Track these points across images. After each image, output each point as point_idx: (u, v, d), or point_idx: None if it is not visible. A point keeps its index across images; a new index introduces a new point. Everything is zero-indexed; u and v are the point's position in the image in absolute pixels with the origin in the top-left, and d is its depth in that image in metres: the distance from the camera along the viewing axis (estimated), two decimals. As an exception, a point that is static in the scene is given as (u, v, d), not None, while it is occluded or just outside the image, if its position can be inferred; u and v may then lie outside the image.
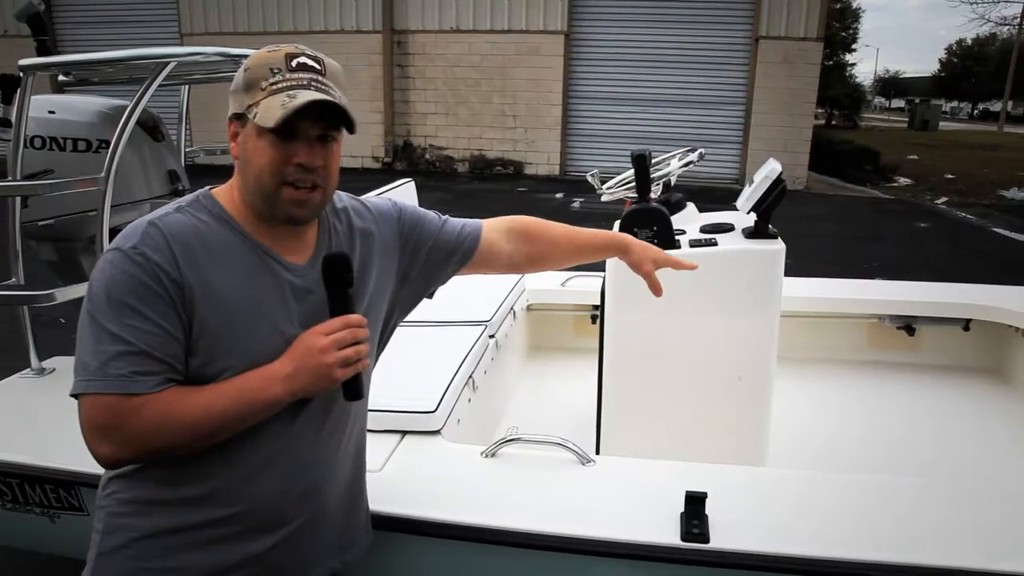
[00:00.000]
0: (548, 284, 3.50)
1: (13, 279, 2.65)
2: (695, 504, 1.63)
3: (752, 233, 2.28)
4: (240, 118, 1.19)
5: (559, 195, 12.09)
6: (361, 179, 12.25)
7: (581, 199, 11.43)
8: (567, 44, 13.70)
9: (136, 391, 1.10)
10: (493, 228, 1.60)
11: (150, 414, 1.11)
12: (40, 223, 2.89)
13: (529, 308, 3.49)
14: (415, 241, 1.49)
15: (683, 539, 1.58)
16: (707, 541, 1.57)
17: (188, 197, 1.25)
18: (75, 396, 1.12)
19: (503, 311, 2.92)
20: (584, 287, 3.42)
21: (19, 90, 2.59)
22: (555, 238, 1.68)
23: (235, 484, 1.24)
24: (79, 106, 2.79)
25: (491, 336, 2.72)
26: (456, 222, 1.57)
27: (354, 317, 1.23)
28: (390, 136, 14.64)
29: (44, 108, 2.94)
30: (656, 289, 1.72)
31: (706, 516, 1.62)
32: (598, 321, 3.41)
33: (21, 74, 2.54)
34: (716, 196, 9.73)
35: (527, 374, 3.36)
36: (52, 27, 15.20)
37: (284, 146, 1.16)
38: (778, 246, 2.23)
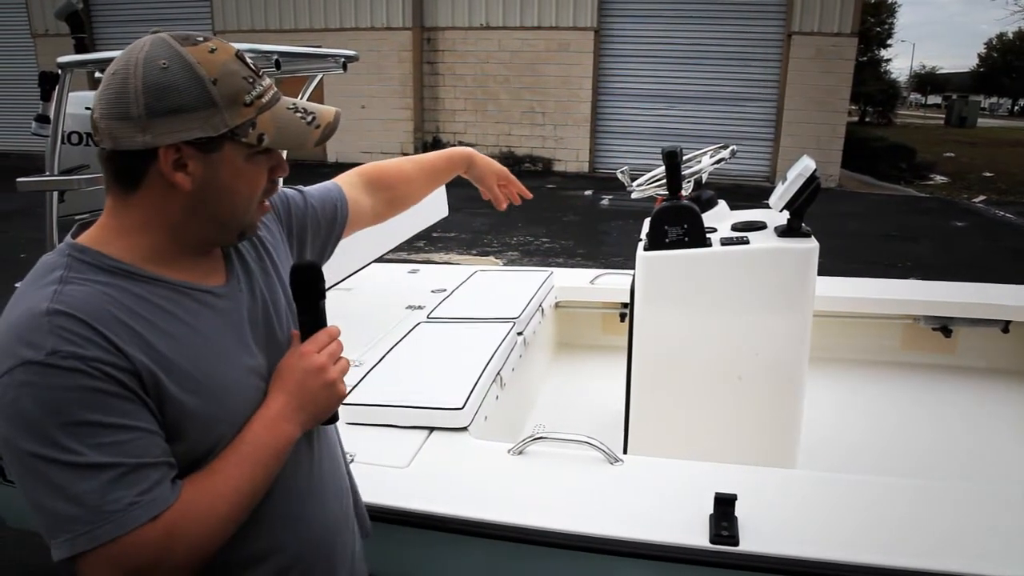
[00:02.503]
0: (577, 282, 3.49)
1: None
2: (724, 506, 1.60)
3: (785, 231, 2.25)
4: (209, 143, 0.95)
5: (588, 192, 12.05)
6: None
7: (610, 196, 11.38)
8: (597, 40, 13.63)
9: (157, 512, 0.90)
10: (349, 185, 1.47)
11: (184, 527, 0.92)
12: (76, 217, 2.93)
13: (557, 305, 3.47)
14: (298, 224, 1.33)
15: (712, 541, 1.56)
16: (736, 544, 1.55)
17: (53, 260, 0.96)
18: (73, 557, 0.87)
19: (531, 308, 2.92)
20: (613, 284, 3.40)
21: (58, 87, 2.65)
22: (406, 174, 1.59)
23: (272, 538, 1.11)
24: (115, 102, 2.84)
25: (519, 333, 2.71)
26: (316, 190, 1.41)
27: (334, 328, 1.12)
28: (419, 132, 14.69)
29: (81, 105, 3.00)
30: (499, 202, 1.78)
31: (735, 518, 1.60)
32: (627, 319, 3.40)
33: (60, 71, 2.58)
34: (746, 193, 9.65)
35: (555, 372, 3.35)
36: (90, 25, 15.51)
37: (267, 163, 1.04)
38: (811, 244, 2.19)
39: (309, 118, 1.05)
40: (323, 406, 1.09)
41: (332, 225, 1.40)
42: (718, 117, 13.44)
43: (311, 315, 1.11)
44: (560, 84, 13.84)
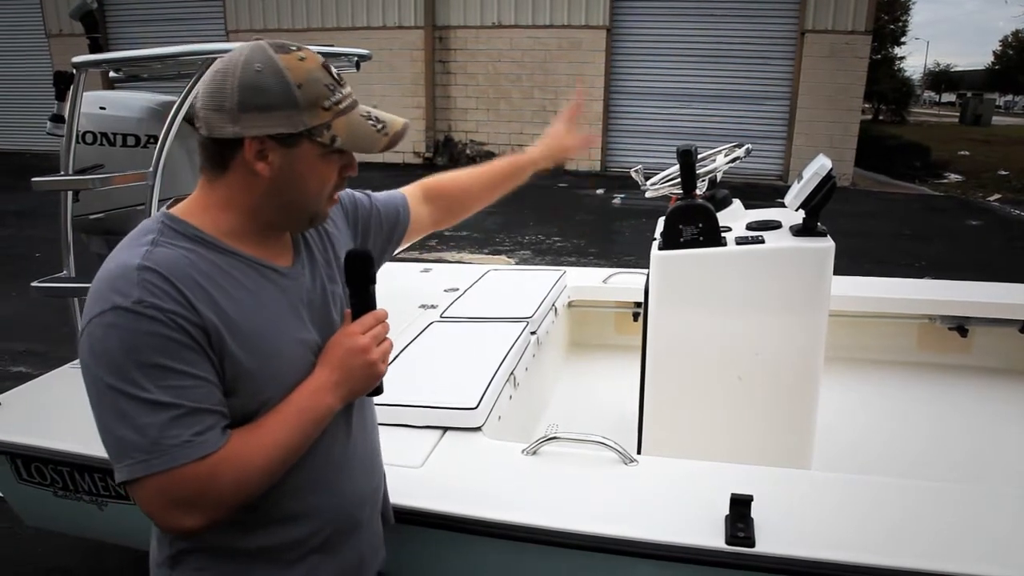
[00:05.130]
0: (590, 281, 3.47)
1: (64, 271, 2.72)
2: (740, 507, 1.59)
3: (800, 230, 2.23)
4: (289, 139, 1.08)
5: (600, 191, 12.02)
6: (403, 174, 12.28)
7: (622, 195, 11.34)
8: (609, 39, 13.60)
9: (205, 453, 1.02)
10: (412, 195, 1.62)
11: (227, 470, 1.04)
12: (91, 217, 2.96)
13: (570, 305, 3.46)
14: (363, 222, 1.48)
15: (728, 542, 1.55)
16: (752, 545, 1.54)
17: (150, 225, 1.12)
18: (129, 481, 1.01)
19: (544, 307, 2.91)
20: (626, 284, 3.38)
21: (72, 86, 2.66)
22: (462, 182, 1.73)
23: (309, 499, 1.23)
24: (129, 102, 2.85)
25: (532, 333, 2.70)
26: (382, 195, 1.57)
27: (382, 312, 1.23)
28: (431, 131, 14.70)
29: (96, 104, 3.01)
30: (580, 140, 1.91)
31: (751, 519, 1.59)
32: (640, 318, 3.38)
33: (75, 71, 2.60)
34: (759, 193, 9.59)
35: (568, 371, 3.34)
36: (104, 25, 15.60)
37: (339, 162, 1.16)
38: (827, 244, 2.17)
39: (380, 126, 1.16)
40: (362, 383, 1.20)
41: (394, 227, 1.55)
42: (730, 116, 13.38)
43: (361, 298, 1.22)
44: (572, 82, 13.79)
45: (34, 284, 2.66)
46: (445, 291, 3.17)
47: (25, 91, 16.86)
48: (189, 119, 2.77)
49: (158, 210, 2.39)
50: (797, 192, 2.15)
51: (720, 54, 13.31)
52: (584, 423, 2.38)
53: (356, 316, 1.21)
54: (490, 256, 7.91)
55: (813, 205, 2.15)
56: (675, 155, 2.29)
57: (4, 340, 5.45)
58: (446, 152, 14.74)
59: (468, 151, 14.68)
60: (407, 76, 14.35)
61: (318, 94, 1.09)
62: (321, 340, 1.20)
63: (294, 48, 1.10)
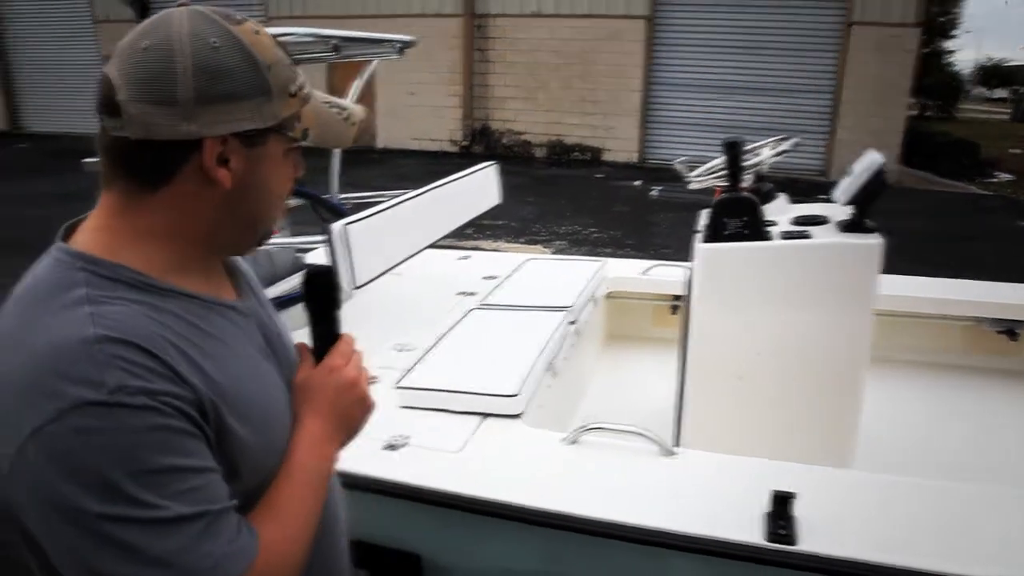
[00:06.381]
0: (629, 272, 3.46)
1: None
2: (782, 504, 1.58)
3: (848, 226, 2.20)
4: (257, 136, 0.85)
5: (637, 183, 11.93)
6: (439, 163, 12.32)
7: (660, 187, 11.25)
8: (649, 29, 13.45)
9: (249, 561, 0.80)
10: None
11: (271, 573, 0.84)
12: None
13: (609, 296, 3.45)
14: None
15: (768, 539, 1.54)
16: (794, 543, 1.53)
17: (63, 276, 0.80)
18: None
19: (584, 298, 2.90)
20: (666, 276, 3.36)
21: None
22: None
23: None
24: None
25: (572, 323, 2.70)
26: None
27: (351, 336, 1.03)
28: (468, 120, 14.71)
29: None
30: None
31: (793, 517, 1.57)
32: (679, 312, 3.36)
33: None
34: (799, 188, 9.39)
35: (604, 362, 3.33)
36: (151, 12, 15.84)
37: (294, 160, 0.94)
38: (875, 240, 2.14)
39: (344, 114, 1.00)
40: (358, 421, 1.02)
41: None
42: (772, 109, 13.15)
43: (326, 325, 1.01)
44: (611, 73, 13.70)
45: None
46: (483, 279, 3.18)
47: (71, 76, 17.23)
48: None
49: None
50: (846, 186, 2.12)
51: (763, 45, 13.09)
52: (620, 414, 2.37)
53: (321, 347, 1.01)
54: (526, 245, 7.91)
55: (863, 200, 2.11)
56: (718, 147, 2.27)
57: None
58: (482, 141, 14.74)
59: (505, 140, 14.67)
60: (445, 64, 14.36)
61: (286, 77, 0.87)
62: (285, 382, 0.98)
63: (240, 18, 0.85)
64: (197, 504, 0.76)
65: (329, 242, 2.18)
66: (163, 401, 0.75)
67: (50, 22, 17.46)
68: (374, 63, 3.20)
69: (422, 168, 11.32)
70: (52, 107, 17.77)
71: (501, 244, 7.89)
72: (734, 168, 2.23)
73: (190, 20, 0.81)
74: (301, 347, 1.02)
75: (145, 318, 0.79)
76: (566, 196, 9.93)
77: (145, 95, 0.79)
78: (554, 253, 7.47)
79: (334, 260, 2.18)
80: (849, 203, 2.14)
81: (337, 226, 2.21)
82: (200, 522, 0.76)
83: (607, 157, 14.02)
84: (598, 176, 12.38)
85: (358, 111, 1.04)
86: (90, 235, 0.85)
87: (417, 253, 2.69)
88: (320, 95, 0.97)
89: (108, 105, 0.80)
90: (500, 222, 8.57)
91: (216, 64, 0.80)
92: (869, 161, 2.09)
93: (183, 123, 0.79)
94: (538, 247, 7.86)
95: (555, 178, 12.27)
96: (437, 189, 2.89)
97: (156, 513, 0.73)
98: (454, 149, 14.56)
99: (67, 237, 0.86)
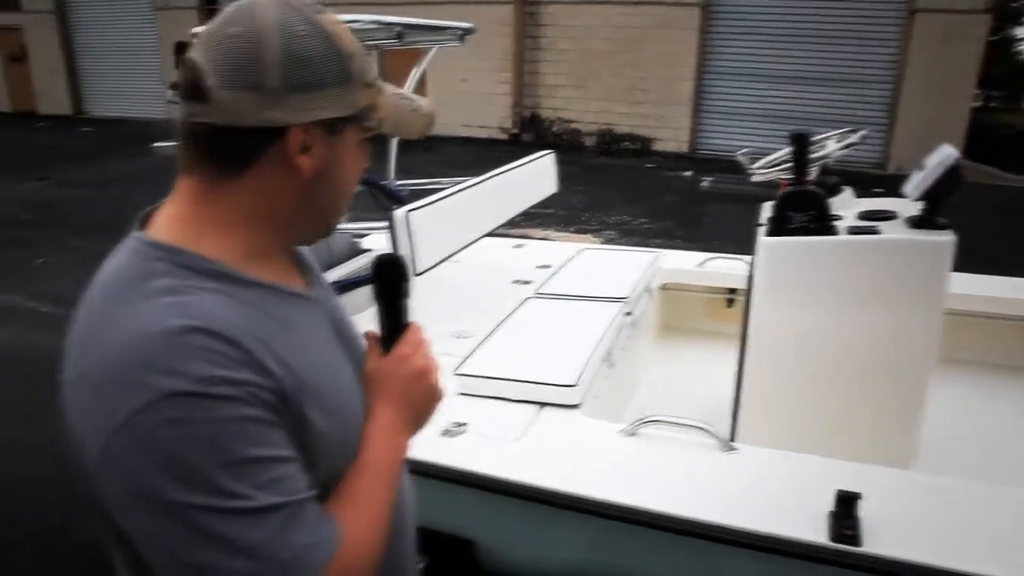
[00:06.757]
0: (684, 264, 3.42)
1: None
2: (847, 504, 1.55)
3: (919, 222, 2.14)
4: (337, 124, 0.85)
5: (687, 173, 11.77)
6: (488, 150, 12.30)
7: (711, 178, 11.08)
8: (703, 17, 13.21)
9: (333, 550, 0.80)
10: None
11: (353, 563, 0.83)
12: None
13: (663, 287, 3.42)
14: None
15: (833, 539, 1.52)
16: (859, 544, 1.50)
17: (142, 265, 0.81)
18: None
19: (640, 289, 2.88)
20: (722, 269, 3.32)
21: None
22: None
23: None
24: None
25: (627, 314, 2.69)
26: None
27: (418, 324, 1.03)
28: (518, 108, 14.66)
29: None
30: None
31: (858, 518, 1.55)
32: (733, 305, 3.32)
33: (195, 41, 2.70)
34: (856, 181, 9.16)
35: (657, 354, 3.31)
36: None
37: (365, 151, 0.94)
38: (948, 237, 2.08)
39: (414, 105, 1.00)
40: (428, 410, 1.01)
41: None
42: (828, 99, 12.82)
43: (395, 314, 1.00)
44: (663, 61, 13.50)
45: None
46: (537, 267, 3.19)
47: (131, 61, 17.68)
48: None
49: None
50: (919, 181, 2.06)
51: (820, 34, 12.74)
52: (673, 407, 2.35)
53: (389, 336, 1.00)
54: (575, 235, 7.87)
55: (936, 196, 2.05)
56: (772, 138, 2.23)
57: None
58: (532, 129, 14.70)
59: (555, 128, 14.60)
60: (496, 51, 14.32)
61: (365, 67, 0.87)
62: (355, 372, 0.97)
63: (320, 7, 0.85)
64: (282, 494, 0.76)
65: (391, 228, 2.21)
66: (248, 391, 0.75)
67: (112, 9, 17.91)
68: (433, 50, 3.21)
69: (472, 155, 11.36)
70: (113, 92, 18.25)
71: (550, 233, 7.87)
72: (801, 161, 2.18)
73: (276, 8, 0.81)
74: (370, 336, 1.02)
75: (226, 307, 0.79)
76: (615, 185, 9.83)
77: (233, 81, 0.79)
78: (603, 243, 7.43)
79: (395, 246, 2.20)
80: (921, 199, 2.08)
81: (399, 213, 2.23)
82: (284, 512, 0.76)
83: (657, 147, 13.84)
84: (648, 166, 12.24)
85: (426, 103, 1.04)
86: (168, 224, 0.85)
87: (476, 240, 2.71)
88: (390, 87, 0.97)
89: (194, 90, 0.80)
90: (549, 210, 8.54)
91: (302, 52, 0.81)
92: (943, 156, 2.02)
93: (269, 109, 0.80)
94: (587, 236, 7.82)
95: (604, 167, 12.18)
96: (496, 177, 2.90)
97: (244, 503, 0.73)
98: (503, 137, 14.54)
99: (143, 225, 0.86)
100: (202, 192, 0.84)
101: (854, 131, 2.42)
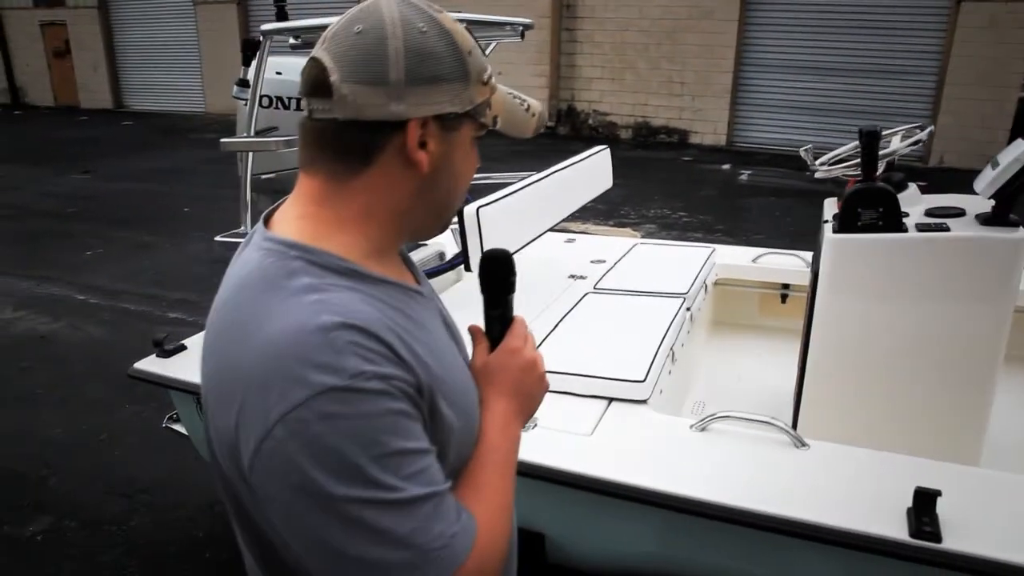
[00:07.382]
0: (738, 259, 3.42)
1: (242, 227, 2.92)
2: (926, 501, 1.56)
3: (989, 219, 2.12)
4: (453, 120, 0.87)
5: (725, 166, 11.67)
6: (524, 143, 12.29)
7: (749, 171, 10.98)
8: (742, 8, 13.05)
9: (472, 540, 0.82)
10: None
11: (490, 552, 0.85)
12: (263, 176, 3.16)
13: (716, 283, 3.42)
14: None
15: (913, 536, 1.52)
16: (940, 541, 1.51)
17: (280, 264, 0.83)
18: None
19: (698, 284, 2.89)
20: (776, 264, 3.31)
21: (258, 53, 2.82)
22: None
23: None
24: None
25: (687, 309, 2.70)
26: None
27: (523, 318, 1.05)
28: (554, 100, 14.64)
29: (273, 70, 3.18)
30: None
31: (937, 515, 1.55)
32: (787, 301, 3.31)
33: (261, 38, 2.76)
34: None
35: (712, 349, 3.31)
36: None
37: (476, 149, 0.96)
38: (1020, 235, 2.06)
39: (525, 105, 1.01)
40: (538, 400, 1.03)
41: None
42: (870, 91, 12.60)
43: (502, 308, 1.02)
44: (701, 53, 13.38)
45: (217, 238, 2.88)
46: (591, 262, 3.20)
47: (170, 56, 17.95)
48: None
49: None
50: (992, 179, 2.04)
51: (862, 24, 12.51)
52: (731, 403, 2.37)
53: (495, 330, 1.02)
54: (615, 228, 7.87)
55: (1010, 194, 2.03)
56: (812, 131, 2.23)
57: (161, 288, 5.90)
58: (568, 122, 14.67)
59: (591, 121, 14.56)
60: (532, 44, 14.30)
61: (481, 64, 0.88)
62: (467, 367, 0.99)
63: (438, 7, 0.88)
64: (428, 485, 0.78)
65: (460, 222, 2.24)
66: (394, 385, 0.77)
67: (153, 3, 18.20)
68: (493, 45, 3.24)
69: (507, 148, 11.37)
70: (153, 86, 18.56)
71: (589, 226, 7.88)
72: (870, 157, 2.17)
73: (399, 6, 0.84)
74: (475, 330, 1.03)
75: (366, 304, 0.80)
76: (653, 179, 9.79)
77: (358, 75, 0.81)
78: (644, 236, 7.42)
79: (464, 240, 2.23)
80: (994, 196, 2.06)
81: (469, 209, 2.26)
82: (430, 503, 0.77)
83: (693, 139, 13.74)
84: (685, 159, 12.16)
85: (536, 103, 1.04)
86: (295, 223, 0.86)
87: (541, 235, 2.73)
88: (503, 87, 0.97)
89: (319, 87, 0.82)
90: (588, 204, 8.54)
91: (424, 47, 0.82)
92: (1019, 151, 2.00)
93: (392, 103, 0.81)
94: (627, 230, 7.81)
95: (641, 160, 12.12)
96: (556, 173, 2.92)
97: (396, 495, 0.75)
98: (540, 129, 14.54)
99: (267, 224, 0.89)
100: (326, 191, 0.86)
101: (921, 128, 2.39)
